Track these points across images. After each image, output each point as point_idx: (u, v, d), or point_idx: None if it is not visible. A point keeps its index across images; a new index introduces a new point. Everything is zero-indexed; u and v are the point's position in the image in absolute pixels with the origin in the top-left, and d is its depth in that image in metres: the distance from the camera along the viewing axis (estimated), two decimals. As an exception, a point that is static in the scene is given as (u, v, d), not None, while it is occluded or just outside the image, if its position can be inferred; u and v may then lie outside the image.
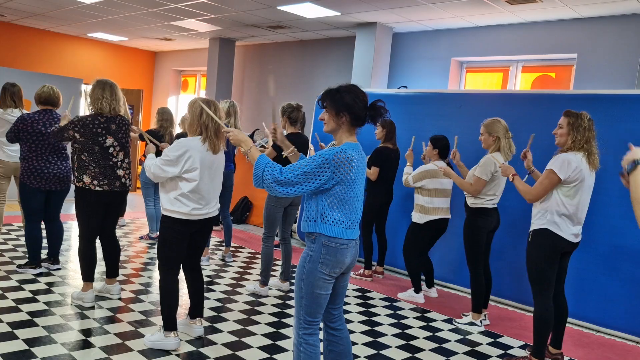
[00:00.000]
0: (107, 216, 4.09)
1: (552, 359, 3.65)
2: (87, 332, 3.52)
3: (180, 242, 3.36)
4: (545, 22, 6.49)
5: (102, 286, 4.26)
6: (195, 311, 3.64)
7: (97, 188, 3.88)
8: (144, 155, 3.63)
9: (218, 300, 4.46)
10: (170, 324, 3.36)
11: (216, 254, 5.90)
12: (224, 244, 5.97)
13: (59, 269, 4.82)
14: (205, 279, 5.04)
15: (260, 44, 10.12)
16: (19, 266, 4.70)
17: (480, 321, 4.31)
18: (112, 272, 4.25)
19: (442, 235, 4.94)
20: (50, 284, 4.42)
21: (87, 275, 4.03)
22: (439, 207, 4.76)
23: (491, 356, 3.78)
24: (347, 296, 4.88)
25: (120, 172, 4.00)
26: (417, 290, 4.94)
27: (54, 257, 4.82)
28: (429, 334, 4.12)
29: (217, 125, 3.26)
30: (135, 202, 8.96)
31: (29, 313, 3.75)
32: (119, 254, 4.27)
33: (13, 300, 3.97)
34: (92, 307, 3.98)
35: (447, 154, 4.77)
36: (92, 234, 4.02)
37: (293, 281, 4.91)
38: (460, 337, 4.11)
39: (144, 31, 9.89)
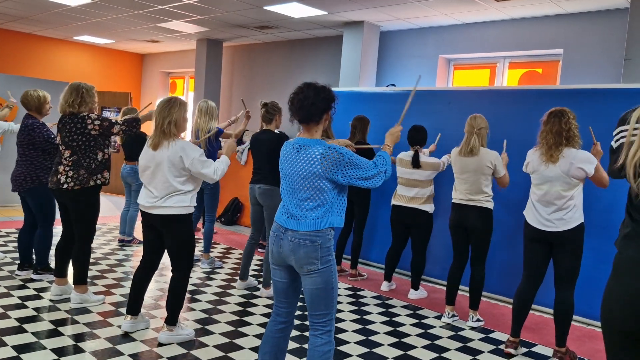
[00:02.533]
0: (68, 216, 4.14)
1: (559, 357, 3.67)
2: (77, 337, 3.49)
3: (144, 230, 3.61)
4: (531, 18, 6.53)
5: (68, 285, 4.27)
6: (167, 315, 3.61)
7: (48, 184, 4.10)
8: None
9: (209, 302, 4.44)
10: (127, 307, 3.66)
11: (219, 260, 5.88)
12: (232, 250, 5.92)
13: (41, 280, 4.65)
14: (197, 281, 5.02)
15: (248, 44, 10.10)
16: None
17: (445, 315, 4.41)
18: (74, 275, 4.11)
19: (419, 232, 4.95)
20: (39, 290, 4.38)
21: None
22: (398, 193, 4.98)
23: (483, 351, 3.79)
24: (338, 295, 4.88)
25: (60, 168, 3.95)
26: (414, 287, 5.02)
27: (38, 265, 4.66)
28: (421, 331, 4.13)
29: (168, 124, 3.38)
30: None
31: (17, 319, 3.71)
32: (76, 261, 4.06)
33: (1, 306, 3.93)
34: (82, 311, 3.95)
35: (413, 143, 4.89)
36: (64, 231, 4.23)
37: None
38: (452, 333, 4.12)
39: (130, 33, 9.83)
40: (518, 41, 6.66)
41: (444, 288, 5.35)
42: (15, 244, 5.78)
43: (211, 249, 6.15)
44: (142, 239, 3.75)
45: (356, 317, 4.33)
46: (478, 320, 4.31)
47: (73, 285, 4.12)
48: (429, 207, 4.84)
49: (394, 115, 5.92)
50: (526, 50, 6.65)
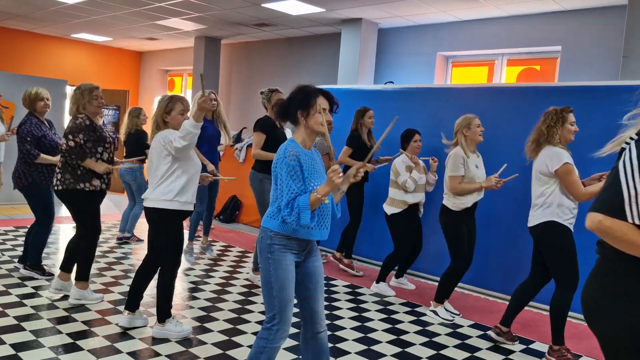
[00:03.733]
0: None
1: (552, 355, 3.66)
2: (75, 335, 3.49)
3: (148, 227, 3.66)
4: (529, 15, 6.53)
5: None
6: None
7: None
8: None
9: (207, 299, 4.44)
10: (126, 302, 3.71)
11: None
12: (231, 247, 5.97)
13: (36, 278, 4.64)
14: (195, 278, 5.02)
15: (246, 42, 10.08)
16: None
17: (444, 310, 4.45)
18: (76, 270, 4.15)
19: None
20: (37, 288, 4.38)
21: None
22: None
23: (481, 348, 3.80)
24: (336, 292, 4.89)
25: (56, 169, 4.04)
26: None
27: (30, 260, 4.67)
28: (419, 328, 4.13)
29: (153, 123, 3.52)
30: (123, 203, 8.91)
31: (15, 318, 3.71)
32: (78, 257, 4.10)
33: (-1, 305, 3.94)
34: (80, 309, 3.95)
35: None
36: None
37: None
38: (450, 330, 4.13)
39: (128, 31, 9.81)
40: (516, 38, 6.66)
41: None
42: (13, 242, 5.80)
43: (211, 245, 6.05)
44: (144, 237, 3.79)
45: (354, 314, 4.34)
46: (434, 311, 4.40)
47: (74, 281, 4.14)
48: (388, 209, 4.87)
49: (392, 113, 5.95)
50: (524, 47, 6.65)
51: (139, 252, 5.86)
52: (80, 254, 4.09)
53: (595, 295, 1.66)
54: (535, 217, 3.61)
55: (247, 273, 5.26)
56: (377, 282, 4.99)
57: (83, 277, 4.10)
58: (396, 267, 5.22)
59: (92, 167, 3.90)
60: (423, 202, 4.94)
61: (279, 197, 2.46)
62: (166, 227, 3.47)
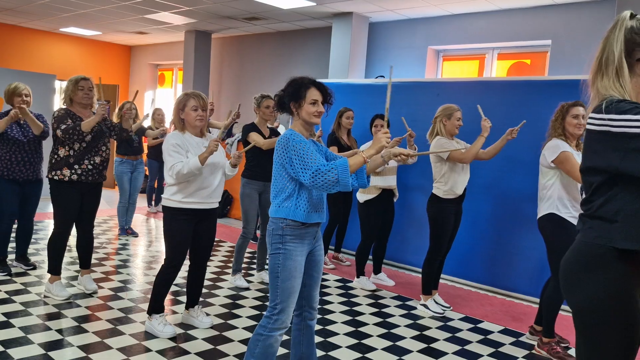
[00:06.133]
0: None
1: (543, 349, 3.67)
2: (64, 332, 3.47)
3: None
4: (519, 9, 6.53)
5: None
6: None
7: None
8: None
9: (199, 295, 4.43)
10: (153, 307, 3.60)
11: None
12: (222, 242, 5.94)
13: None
14: (185, 274, 4.99)
15: (237, 36, 10.03)
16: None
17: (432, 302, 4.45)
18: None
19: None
20: (26, 284, 4.34)
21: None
22: None
23: (471, 341, 3.81)
24: (328, 287, 4.90)
25: None
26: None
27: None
28: (410, 321, 4.15)
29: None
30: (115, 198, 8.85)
31: (4, 314, 3.68)
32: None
33: (-12, 301, 3.90)
34: (70, 306, 3.93)
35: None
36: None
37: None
38: (441, 323, 4.14)
39: (117, 25, 9.73)
40: (507, 32, 6.67)
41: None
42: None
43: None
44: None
45: (346, 308, 4.34)
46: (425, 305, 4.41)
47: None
48: (362, 196, 4.88)
49: (383, 107, 5.93)
50: (515, 41, 6.66)
51: (129, 248, 5.84)
52: (48, 246, 4.13)
53: (570, 266, 1.75)
54: (540, 211, 3.61)
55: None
56: (358, 276, 4.99)
57: (50, 270, 4.16)
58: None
59: (92, 120, 3.88)
60: (395, 186, 4.91)
61: (298, 173, 2.43)
62: (167, 225, 3.48)
